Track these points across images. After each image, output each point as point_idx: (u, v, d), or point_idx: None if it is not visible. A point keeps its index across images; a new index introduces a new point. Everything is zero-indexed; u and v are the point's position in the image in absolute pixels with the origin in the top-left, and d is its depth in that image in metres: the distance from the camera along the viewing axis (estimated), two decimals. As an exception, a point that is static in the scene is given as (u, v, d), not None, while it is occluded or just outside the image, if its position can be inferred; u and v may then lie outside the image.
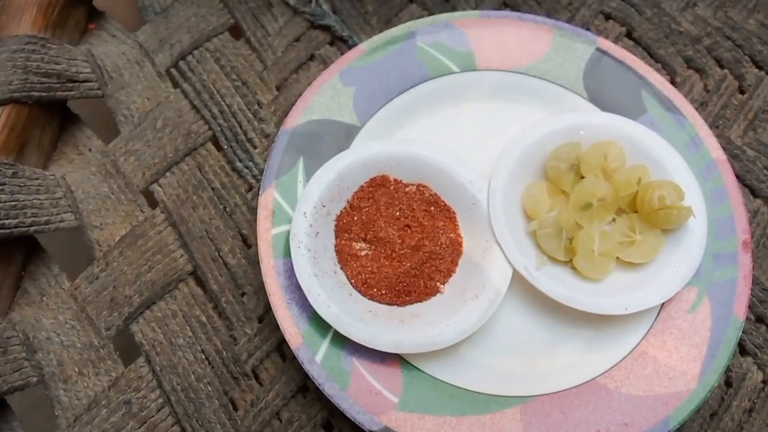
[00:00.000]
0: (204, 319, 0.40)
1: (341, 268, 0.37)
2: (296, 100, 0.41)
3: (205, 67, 0.47)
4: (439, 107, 0.43)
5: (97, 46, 0.48)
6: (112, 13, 0.51)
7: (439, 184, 0.39)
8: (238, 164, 0.44)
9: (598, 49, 0.43)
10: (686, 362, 0.35)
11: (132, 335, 0.39)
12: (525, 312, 0.37)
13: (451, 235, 0.38)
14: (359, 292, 0.37)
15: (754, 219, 0.42)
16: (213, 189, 0.43)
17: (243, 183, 0.43)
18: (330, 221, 0.38)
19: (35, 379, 0.38)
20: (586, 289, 0.36)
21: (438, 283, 0.37)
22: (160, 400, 0.38)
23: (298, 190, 0.39)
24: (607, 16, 0.49)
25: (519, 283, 0.37)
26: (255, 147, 0.44)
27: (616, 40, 0.47)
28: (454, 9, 0.49)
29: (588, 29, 0.48)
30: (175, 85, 0.47)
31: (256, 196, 0.42)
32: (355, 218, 0.38)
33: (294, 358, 0.38)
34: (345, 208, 0.39)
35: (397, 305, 0.37)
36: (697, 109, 0.41)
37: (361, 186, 0.39)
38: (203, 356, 0.39)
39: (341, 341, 0.35)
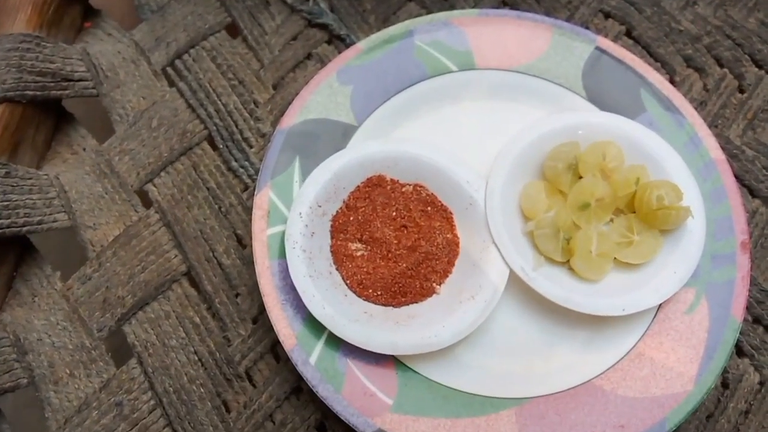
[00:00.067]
0: (197, 320, 0.39)
1: (337, 269, 0.37)
2: (293, 99, 0.41)
3: (201, 65, 0.47)
4: (437, 106, 0.42)
5: (92, 45, 0.48)
6: (108, 12, 0.50)
7: (436, 184, 0.39)
8: (234, 164, 0.44)
9: (597, 48, 0.42)
10: (683, 364, 0.34)
11: (124, 336, 0.39)
12: (522, 313, 0.37)
13: (448, 235, 0.38)
14: (354, 293, 0.37)
15: (753, 219, 0.41)
16: (208, 189, 0.43)
17: (238, 183, 0.43)
18: (326, 221, 0.38)
19: (25, 380, 0.38)
20: (583, 290, 0.36)
21: (434, 284, 0.37)
22: (152, 402, 0.37)
23: (294, 190, 0.39)
24: (607, 15, 0.48)
25: (516, 283, 0.37)
26: (251, 146, 0.44)
27: (615, 39, 0.47)
28: (452, 7, 0.49)
29: (587, 28, 0.47)
30: (171, 84, 0.47)
31: (252, 196, 0.42)
32: (351, 218, 0.38)
33: (288, 360, 0.37)
34: (341, 208, 0.38)
35: (393, 306, 0.36)
36: (696, 109, 0.41)
37: (358, 186, 0.39)
38: (196, 357, 0.38)
39: (336, 342, 0.35)
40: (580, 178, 0.38)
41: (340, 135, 0.40)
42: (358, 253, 0.37)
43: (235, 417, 0.37)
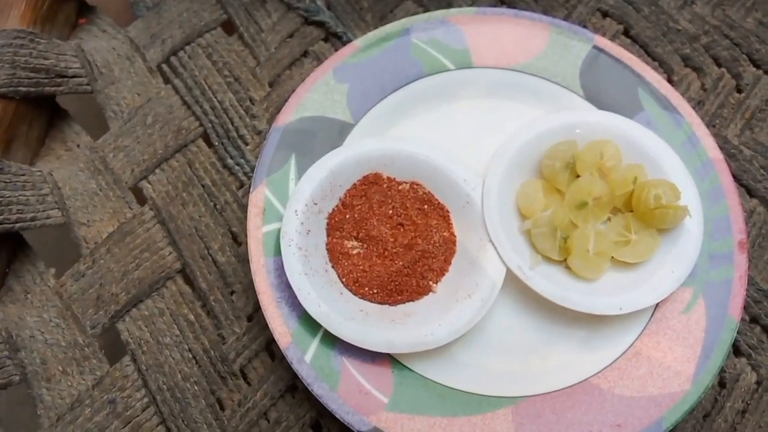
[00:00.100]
0: (192, 317, 0.39)
1: (332, 267, 0.37)
2: (289, 97, 0.41)
3: (196, 62, 0.46)
4: (434, 105, 0.42)
5: (87, 41, 0.48)
6: (103, 8, 0.50)
7: (433, 182, 0.39)
8: (229, 161, 0.43)
9: (595, 47, 0.42)
10: (680, 363, 0.34)
11: (118, 334, 0.39)
12: (518, 312, 0.37)
13: (445, 233, 0.38)
14: (350, 291, 0.36)
15: (750, 219, 0.41)
16: (203, 186, 0.43)
17: (234, 180, 0.43)
18: (322, 219, 0.38)
19: (17, 377, 0.38)
20: (580, 289, 0.36)
21: (431, 282, 0.37)
22: (146, 400, 0.37)
23: (289, 188, 0.38)
24: (605, 14, 0.48)
25: (513, 282, 0.36)
26: (246, 144, 0.44)
27: (613, 38, 0.47)
28: (449, 5, 0.48)
29: (585, 27, 0.47)
30: (166, 80, 0.46)
31: (247, 193, 0.42)
32: (348, 216, 0.38)
33: (283, 358, 0.37)
34: (337, 206, 0.38)
35: (389, 304, 0.36)
36: (693, 108, 0.41)
37: (354, 184, 0.39)
38: (190, 355, 0.38)
39: (331, 341, 0.35)
40: (578, 176, 0.38)
41: (336, 133, 0.40)
42: (354, 251, 0.37)
43: (230, 415, 0.37)
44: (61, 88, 0.45)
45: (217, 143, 0.44)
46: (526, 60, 0.43)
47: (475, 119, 0.42)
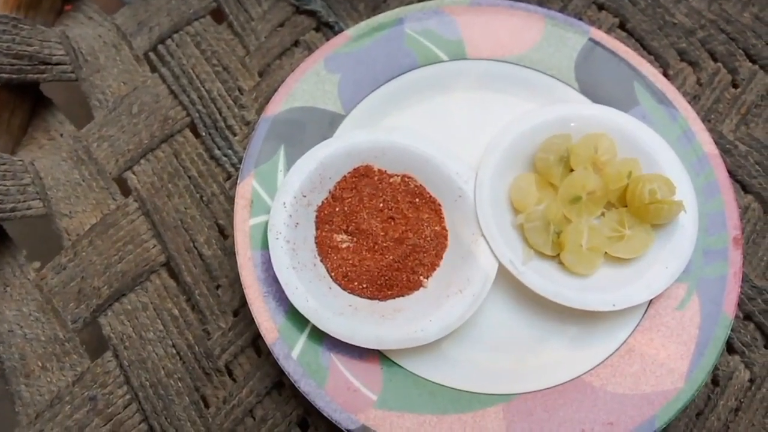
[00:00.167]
0: (176, 312, 0.38)
1: (321, 261, 0.36)
2: (279, 87, 0.40)
3: (184, 51, 0.46)
4: (426, 96, 0.42)
5: (72, 28, 0.47)
6: (89, -5, 0.49)
7: (425, 175, 0.38)
8: (217, 152, 0.43)
9: (591, 40, 0.42)
10: (674, 360, 0.34)
11: (100, 328, 0.38)
12: (510, 307, 0.36)
13: (436, 227, 0.37)
14: (339, 285, 0.36)
15: (745, 215, 0.41)
16: (189, 177, 0.42)
17: (221, 171, 0.42)
18: (311, 212, 0.37)
19: (-5, 373, 0.37)
20: (573, 285, 0.36)
21: (421, 277, 0.36)
22: (128, 397, 0.37)
23: (278, 180, 0.38)
24: (600, 7, 0.48)
25: (505, 277, 0.36)
26: (234, 134, 0.43)
27: (608, 31, 0.47)
28: (443, -4, 0.48)
29: (580, 19, 0.47)
30: (153, 69, 0.46)
31: (235, 185, 0.41)
32: (337, 209, 0.37)
33: (269, 354, 0.37)
34: (327, 198, 0.38)
35: (379, 299, 0.36)
36: (689, 103, 0.40)
37: (344, 176, 0.38)
38: (174, 351, 0.37)
39: (319, 336, 0.34)
40: (572, 170, 0.38)
41: (326, 124, 0.40)
42: (344, 245, 0.37)
43: (214, 412, 0.36)
44: (44, 76, 0.44)
45: (204, 133, 0.43)
46: (520, 52, 0.42)
47: (469, 111, 0.41)
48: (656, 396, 0.33)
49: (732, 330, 0.38)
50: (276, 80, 0.45)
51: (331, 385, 0.33)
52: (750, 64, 0.45)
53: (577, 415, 0.33)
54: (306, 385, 0.33)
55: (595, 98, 0.41)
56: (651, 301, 0.36)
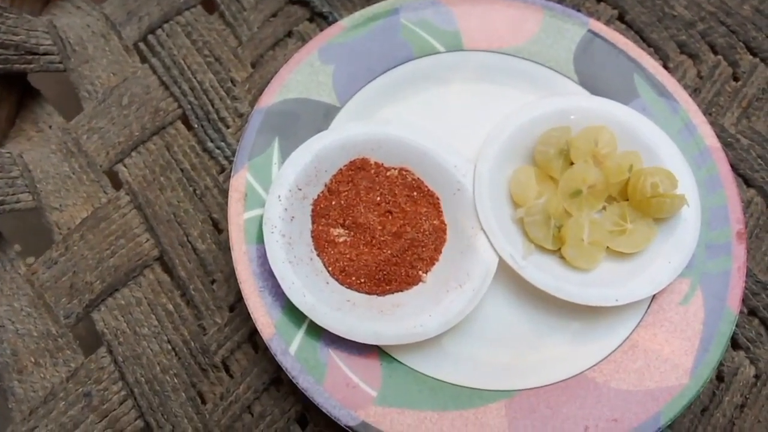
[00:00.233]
0: (171, 307, 0.38)
1: (318, 255, 0.36)
2: (272, 78, 0.40)
3: (175, 41, 0.45)
4: (423, 88, 0.41)
5: (60, 17, 0.46)
6: (78, -17, 0.48)
7: (423, 168, 0.38)
8: (209, 144, 0.42)
9: (590, 31, 0.41)
10: (678, 356, 0.34)
11: (93, 324, 0.38)
12: (511, 302, 0.36)
13: (435, 221, 0.37)
14: (337, 280, 0.36)
15: (748, 209, 0.41)
16: (182, 170, 0.41)
17: (214, 164, 0.42)
18: (306, 205, 0.37)
19: (-14, 370, 0.36)
20: (574, 280, 0.35)
21: (420, 272, 0.36)
22: (123, 393, 0.36)
23: (272, 173, 0.37)
24: (599, -2, 0.47)
25: (505, 272, 0.36)
26: (227, 126, 0.42)
27: (607, 23, 0.46)
28: (440, -14, 0.47)
29: (579, 11, 0.46)
30: (143, 59, 0.45)
31: (228, 178, 0.41)
32: (333, 203, 0.37)
33: (266, 350, 0.37)
34: (322, 191, 0.37)
35: (377, 294, 0.36)
36: (690, 96, 0.40)
37: (340, 169, 0.38)
38: (169, 347, 0.37)
39: (317, 332, 0.34)
40: (572, 164, 0.37)
41: (321, 115, 0.39)
42: (341, 239, 0.36)
43: (211, 409, 0.36)
44: (31, 66, 0.43)
45: (196, 126, 0.42)
46: (518, 43, 0.42)
47: (466, 103, 0.41)
48: (661, 392, 0.33)
49: (737, 325, 0.38)
50: (269, 71, 0.44)
51: (329, 381, 0.33)
52: (751, 56, 0.45)
53: (580, 411, 0.33)
54: (304, 381, 0.33)
55: (595, 90, 0.40)
56: (654, 296, 0.36)
